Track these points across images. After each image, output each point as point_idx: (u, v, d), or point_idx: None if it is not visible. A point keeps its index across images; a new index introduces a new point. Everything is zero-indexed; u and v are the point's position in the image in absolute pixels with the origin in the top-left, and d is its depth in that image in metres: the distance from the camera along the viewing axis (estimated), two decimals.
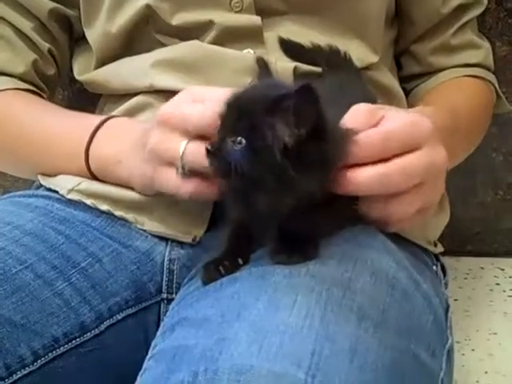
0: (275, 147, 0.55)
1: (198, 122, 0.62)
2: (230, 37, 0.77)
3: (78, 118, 0.80)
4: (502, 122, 1.11)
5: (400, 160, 0.60)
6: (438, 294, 0.68)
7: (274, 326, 0.52)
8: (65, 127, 0.79)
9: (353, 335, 0.53)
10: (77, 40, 0.89)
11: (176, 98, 0.66)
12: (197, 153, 0.62)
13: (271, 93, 0.56)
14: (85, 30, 0.85)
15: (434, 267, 0.74)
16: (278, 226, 0.60)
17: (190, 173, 0.63)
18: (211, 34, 0.77)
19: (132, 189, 0.73)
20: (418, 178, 0.61)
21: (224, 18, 0.77)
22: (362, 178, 0.59)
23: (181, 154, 0.63)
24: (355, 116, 0.60)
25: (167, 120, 0.65)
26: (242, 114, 0.56)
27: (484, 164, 1.14)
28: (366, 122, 0.60)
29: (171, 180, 0.65)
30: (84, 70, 0.87)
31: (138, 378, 0.58)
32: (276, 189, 0.56)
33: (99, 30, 0.83)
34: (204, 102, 0.63)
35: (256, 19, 0.77)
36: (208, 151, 0.58)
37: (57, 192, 0.77)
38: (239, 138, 0.56)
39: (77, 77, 0.88)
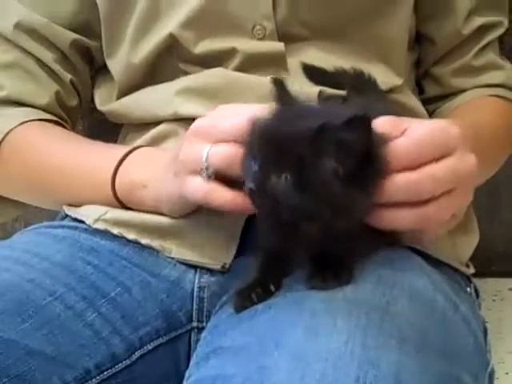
0: (326, 178, 0.54)
1: (225, 127, 0.62)
2: (254, 64, 0.77)
3: (105, 147, 0.80)
4: None
5: (432, 167, 0.59)
6: (475, 317, 0.67)
7: (315, 353, 0.51)
8: (91, 157, 0.79)
9: (395, 360, 0.52)
10: (98, 70, 0.89)
11: (207, 115, 0.66)
12: (220, 154, 0.61)
13: (309, 122, 0.55)
14: (107, 60, 0.85)
15: (468, 289, 0.73)
16: (313, 251, 0.60)
17: (215, 177, 0.62)
18: (235, 62, 0.77)
19: (159, 214, 0.72)
20: (450, 185, 0.61)
21: (247, 45, 0.77)
22: (393, 185, 0.58)
23: (204, 157, 0.62)
24: (379, 127, 0.59)
25: (196, 131, 0.65)
26: (282, 148, 0.55)
27: (507, 181, 1.13)
28: (391, 132, 0.59)
29: (198, 187, 0.64)
30: (106, 101, 0.87)
31: None
32: (329, 216, 0.56)
33: (122, 60, 0.83)
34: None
35: (279, 46, 0.77)
36: (252, 190, 0.56)
37: (83, 222, 0.76)
38: (285, 174, 0.55)
39: (99, 107, 0.88)
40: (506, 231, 1.16)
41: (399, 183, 0.58)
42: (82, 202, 0.78)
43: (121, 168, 0.75)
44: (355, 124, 0.54)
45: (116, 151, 0.77)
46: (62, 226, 0.77)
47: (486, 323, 0.95)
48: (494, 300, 1.06)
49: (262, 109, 0.58)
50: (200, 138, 0.64)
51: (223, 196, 0.62)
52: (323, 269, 0.60)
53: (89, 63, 0.88)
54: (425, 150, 0.59)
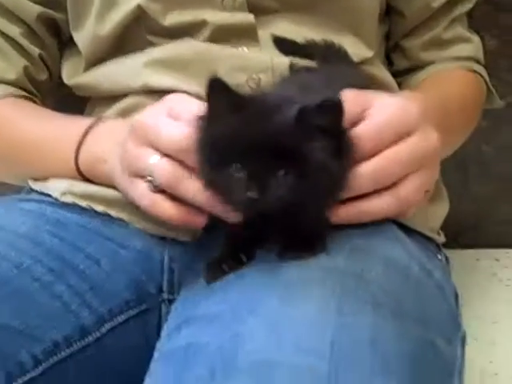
0: (321, 159, 0.54)
1: (169, 144, 0.60)
2: (224, 36, 0.75)
3: (70, 120, 0.78)
4: (493, 115, 1.10)
5: (394, 149, 0.60)
6: (448, 283, 0.67)
7: (290, 320, 0.51)
8: (57, 130, 0.77)
9: (371, 325, 0.52)
10: (65, 44, 0.87)
11: (153, 108, 0.65)
12: (164, 171, 0.60)
13: (282, 115, 0.54)
14: (73, 33, 0.83)
15: (440, 256, 0.73)
16: (286, 225, 0.59)
17: (159, 190, 0.62)
18: (205, 34, 0.75)
19: None
20: (416, 164, 0.61)
21: (217, 17, 0.75)
22: (357, 177, 0.58)
23: (151, 169, 0.61)
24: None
25: (140, 131, 0.64)
26: (270, 148, 0.54)
27: (476, 156, 1.14)
28: (354, 108, 0.59)
29: (139, 191, 0.63)
30: (73, 74, 0.85)
31: (147, 379, 0.56)
32: (328, 194, 0.57)
33: (88, 33, 0.80)
34: (179, 119, 0.61)
35: (249, 17, 0.75)
36: (252, 200, 0.54)
37: (49, 196, 0.74)
38: (283, 172, 0.54)
39: (66, 81, 0.85)
40: (473, 205, 1.17)
41: (366, 173, 0.59)
42: (48, 175, 0.77)
43: (84, 141, 0.73)
44: (329, 106, 0.54)
45: (82, 123, 0.75)
46: (28, 200, 0.76)
47: None
48: (462, 270, 1.07)
49: (201, 108, 0.57)
50: (145, 141, 0.63)
51: (169, 211, 0.62)
52: (297, 239, 0.59)
53: (56, 37, 0.86)
54: (385, 134, 0.60)
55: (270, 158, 0.54)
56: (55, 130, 0.78)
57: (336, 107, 0.54)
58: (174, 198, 0.61)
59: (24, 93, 0.84)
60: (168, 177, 0.60)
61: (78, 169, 0.73)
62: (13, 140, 0.80)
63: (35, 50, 0.84)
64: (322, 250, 0.58)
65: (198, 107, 0.59)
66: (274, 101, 0.57)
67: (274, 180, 0.54)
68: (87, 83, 0.82)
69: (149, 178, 0.62)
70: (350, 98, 0.59)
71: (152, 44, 0.77)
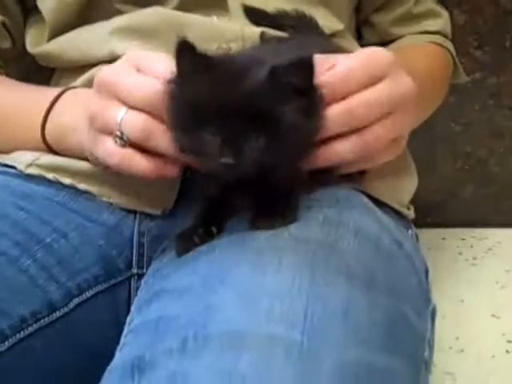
0: (293, 119, 0.53)
1: (139, 96, 0.59)
2: (193, 4, 0.74)
3: (36, 91, 0.76)
4: (460, 91, 1.12)
5: (362, 93, 0.59)
6: (418, 256, 0.68)
7: (262, 290, 0.50)
8: (22, 100, 0.75)
9: (343, 295, 0.52)
10: (29, 11, 0.84)
11: (119, 62, 0.63)
12: (134, 124, 0.59)
13: (251, 77, 0.53)
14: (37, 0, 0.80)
15: (410, 231, 0.73)
16: (257, 193, 0.58)
17: (128, 144, 0.60)
18: (174, 1, 0.74)
19: None
20: (386, 108, 0.60)
21: None
22: (328, 116, 0.58)
23: (118, 122, 0.59)
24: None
25: (106, 85, 0.62)
26: (242, 112, 0.53)
27: (443, 134, 1.15)
28: (321, 68, 0.58)
29: (104, 148, 0.61)
30: (37, 43, 0.82)
31: (117, 353, 0.55)
32: (305, 151, 0.56)
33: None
34: (148, 74, 0.60)
35: None
36: (228, 165, 0.53)
37: (14, 168, 0.72)
38: (256, 135, 0.53)
39: (29, 50, 0.83)
40: (441, 183, 1.18)
41: (333, 115, 0.58)
42: (12, 147, 0.74)
43: (52, 110, 0.71)
44: (301, 65, 0.54)
45: (49, 93, 0.73)
46: None
47: None
48: (428, 249, 1.08)
49: (170, 64, 0.56)
50: (112, 95, 0.61)
51: (141, 164, 0.60)
52: (268, 209, 0.59)
53: (20, 4, 0.83)
54: (356, 77, 0.59)
55: (243, 121, 0.53)
56: (21, 100, 0.76)
57: (308, 64, 0.54)
58: (144, 151, 0.59)
59: None
60: (139, 129, 0.58)
61: (44, 140, 0.71)
62: None
63: None
64: (294, 220, 0.58)
65: (166, 64, 0.57)
66: (244, 62, 0.56)
67: (248, 144, 0.53)
68: (51, 52, 0.80)
69: (117, 132, 0.60)
70: (319, 59, 0.58)
71: (119, 12, 0.76)
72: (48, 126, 0.71)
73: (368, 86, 0.59)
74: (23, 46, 0.84)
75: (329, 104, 0.58)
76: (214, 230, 0.60)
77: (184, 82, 0.55)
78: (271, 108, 0.53)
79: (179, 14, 0.73)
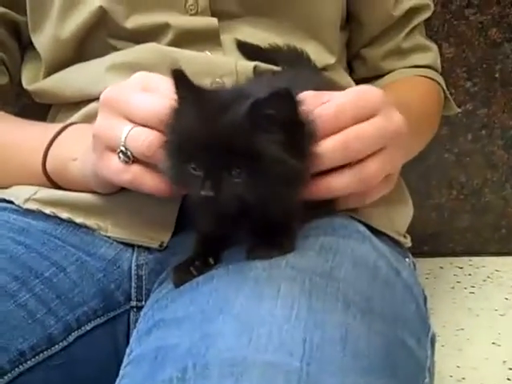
0: (278, 156, 0.53)
1: (145, 113, 0.59)
2: (187, 39, 0.75)
3: (37, 126, 0.77)
4: (453, 122, 1.13)
5: (355, 127, 0.59)
6: (416, 283, 0.68)
7: (260, 317, 0.50)
8: (23, 135, 0.76)
9: (342, 323, 0.52)
10: (25, 48, 0.86)
11: (125, 82, 0.64)
12: (140, 139, 0.59)
13: (234, 110, 0.53)
14: (32, 36, 0.82)
15: (407, 259, 0.74)
16: (254, 225, 0.58)
17: (133, 161, 0.60)
18: (168, 37, 0.75)
19: (92, 193, 0.70)
20: (380, 143, 0.61)
21: (180, 20, 0.75)
22: (320, 151, 0.58)
23: (123, 139, 0.60)
24: (303, 100, 0.59)
25: (111, 103, 0.62)
26: (223, 145, 0.53)
27: (437, 165, 1.16)
28: (311, 105, 0.59)
29: (112, 166, 0.61)
30: (33, 80, 0.84)
31: None
32: (289, 189, 0.55)
33: (48, 35, 0.79)
34: (155, 92, 0.61)
35: (212, 21, 0.76)
36: (209, 198, 0.53)
37: (12, 203, 0.73)
38: (236, 169, 0.53)
39: (25, 86, 0.84)
40: (437, 213, 1.19)
41: (326, 149, 0.58)
42: (11, 182, 0.75)
43: (53, 145, 0.72)
44: (279, 96, 0.53)
45: (49, 128, 0.74)
46: None
47: None
48: (426, 278, 1.09)
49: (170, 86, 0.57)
50: (117, 113, 0.62)
51: (152, 181, 0.60)
52: (265, 239, 0.59)
53: (17, 40, 0.85)
54: (347, 113, 0.59)
55: (224, 156, 0.53)
56: (22, 135, 0.76)
57: (285, 96, 0.53)
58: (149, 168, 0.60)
59: None
60: (145, 145, 0.58)
61: (45, 173, 0.72)
62: None
63: None
64: (291, 250, 0.58)
65: (171, 85, 0.58)
66: (230, 96, 0.56)
67: (229, 178, 0.53)
68: (47, 89, 0.81)
69: (121, 148, 0.60)
70: (307, 97, 0.59)
71: (114, 48, 0.77)
72: (49, 159, 0.72)
73: (360, 122, 0.60)
74: (19, 83, 0.86)
75: (322, 138, 0.58)
76: (212, 260, 0.60)
77: (175, 112, 0.56)
78: (251, 142, 0.53)
79: (173, 49, 0.75)
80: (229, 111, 0.53)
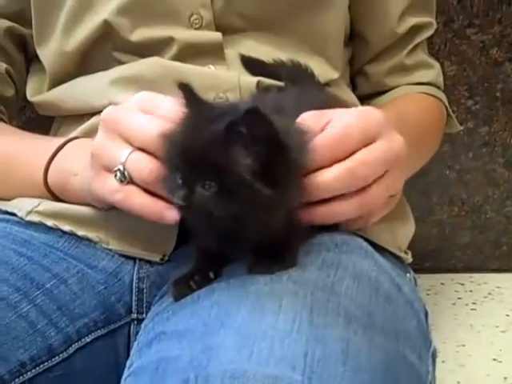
0: (246, 177, 0.53)
1: (144, 137, 0.60)
2: (191, 53, 0.76)
3: (41, 139, 0.78)
4: (454, 140, 1.14)
5: (361, 153, 0.60)
6: (417, 299, 0.68)
7: (262, 331, 0.50)
8: (27, 148, 0.77)
9: (343, 337, 0.52)
10: (31, 60, 0.87)
11: (126, 103, 0.65)
12: (141, 166, 0.60)
13: (217, 125, 0.54)
14: (37, 49, 0.83)
15: (408, 274, 0.74)
16: (253, 243, 0.58)
17: (128, 182, 0.61)
18: (171, 51, 0.76)
19: (93, 207, 0.70)
20: (383, 167, 0.61)
21: (184, 34, 0.76)
22: (328, 179, 0.59)
23: (123, 161, 0.61)
24: (302, 122, 0.60)
25: (111, 124, 0.63)
26: (199, 158, 0.54)
27: (438, 182, 1.17)
28: (313, 126, 0.59)
29: (106, 185, 0.62)
30: (37, 92, 0.84)
31: None
32: (261, 214, 0.55)
33: (53, 48, 0.80)
34: (154, 114, 0.61)
35: (216, 35, 0.76)
36: (181, 206, 0.55)
37: (15, 215, 0.73)
38: (208, 183, 0.53)
39: (29, 98, 0.85)
40: (438, 229, 1.19)
41: (332, 177, 0.59)
42: (13, 194, 0.75)
43: (55, 158, 0.72)
44: (251, 116, 0.53)
45: (52, 142, 0.74)
46: None
47: None
48: (427, 294, 1.09)
49: (178, 106, 0.57)
50: (117, 134, 0.62)
51: (142, 202, 0.61)
52: (267, 254, 0.59)
53: (23, 52, 0.86)
54: (349, 139, 0.60)
55: (199, 168, 0.54)
56: (25, 148, 0.77)
57: (256, 113, 0.52)
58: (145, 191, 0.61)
59: None
60: (147, 171, 0.60)
61: (47, 187, 0.72)
62: None
63: (2, 65, 0.83)
64: (293, 265, 0.58)
65: (172, 105, 0.59)
66: (222, 111, 0.57)
67: (201, 190, 0.54)
68: (51, 101, 0.81)
69: (120, 168, 0.61)
70: (309, 118, 0.60)
71: (118, 61, 0.78)
72: (50, 173, 0.72)
73: (362, 147, 0.60)
74: (24, 96, 0.86)
75: (323, 165, 0.59)
76: (212, 275, 0.60)
77: (178, 126, 0.57)
78: (223, 158, 0.53)
79: (177, 64, 0.75)
80: (211, 126, 0.54)
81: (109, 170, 0.62)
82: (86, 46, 0.78)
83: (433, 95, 0.90)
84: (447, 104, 0.92)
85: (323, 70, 0.80)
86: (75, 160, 0.71)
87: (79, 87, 0.79)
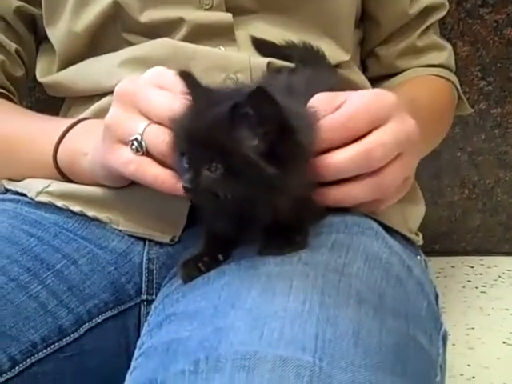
0: (252, 157, 0.53)
1: (161, 112, 0.60)
2: (201, 34, 0.75)
3: (50, 120, 0.78)
4: (466, 121, 1.13)
5: (376, 134, 0.59)
6: (427, 281, 0.67)
7: (273, 312, 0.50)
8: (36, 129, 0.76)
9: (354, 319, 0.52)
10: (40, 41, 0.86)
11: (141, 77, 0.64)
12: (159, 138, 0.60)
13: (222, 107, 0.54)
14: (47, 29, 0.82)
15: (419, 257, 0.73)
16: (264, 223, 0.58)
17: (142, 154, 0.61)
18: (181, 32, 0.75)
19: (103, 187, 0.70)
20: (397, 149, 0.61)
21: (194, 15, 0.75)
22: (342, 159, 0.58)
23: (140, 132, 0.61)
24: (316, 104, 0.59)
25: (127, 96, 0.63)
26: (204, 140, 0.54)
27: (450, 164, 1.16)
28: (327, 108, 0.59)
29: (121, 157, 0.62)
30: (47, 72, 0.84)
31: (128, 377, 0.55)
32: (267, 194, 0.54)
33: (63, 29, 0.80)
34: (170, 90, 0.61)
35: (227, 16, 0.76)
36: (187, 189, 0.54)
37: (25, 195, 0.73)
38: (214, 165, 0.53)
39: (39, 79, 0.84)
40: (449, 212, 1.19)
41: (347, 157, 0.58)
42: (23, 175, 0.75)
43: (65, 138, 0.72)
44: (257, 97, 0.52)
45: (62, 122, 0.74)
46: (2, 200, 0.74)
47: None
48: (437, 277, 1.09)
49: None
50: (133, 106, 0.62)
51: (156, 172, 0.61)
52: (277, 236, 0.58)
53: (33, 33, 0.85)
54: (360, 120, 0.59)
55: (205, 150, 0.54)
56: (35, 129, 0.77)
57: (262, 94, 0.52)
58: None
59: (0, 89, 0.82)
60: (162, 142, 0.59)
61: (57, 166, 0.72)
62: None
63: (12, 45, 0.83)
64: (304, 246, 0.58)
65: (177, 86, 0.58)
66: (229, 94, 0.57)
67: (207, 173, 0.53)
68: (61, 82, 0.81)
69: (136, 136, 0.61)
70: (323, 99, 0.60)
71: (128, 43, 0.77)
72: (60, 153, 0.72)
73: (373, 129, 0.60)
74: (34, 77, 0.86)
75: (335, 145, 0.58)
76: (221, 257, 0.60)
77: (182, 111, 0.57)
78: (229, 139, 0.53)
79: (187, 45, 0.74)
80: (216, 109, 0.54)
81: (123, 141, 0.62)
82: (95, 27, 0.78)
83: (444, 77, 0.89)
84: (458, 86, 0.91)
85: (334, 52, 0.79)
86: (85, 140, 0.70)
87: (89, 68, 0.79)
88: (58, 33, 0.81)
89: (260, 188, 0.53)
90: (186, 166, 0.55)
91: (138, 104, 0.62)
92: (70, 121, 0.74)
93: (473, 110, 0.98)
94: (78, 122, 0.73)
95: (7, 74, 0.83)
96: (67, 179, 0.73)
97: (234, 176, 0.53)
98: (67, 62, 0.81)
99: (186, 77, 0.57)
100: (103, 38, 0.79)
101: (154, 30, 0.76)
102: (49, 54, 0.84)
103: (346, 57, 0.81)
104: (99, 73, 0.77)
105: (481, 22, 1.10)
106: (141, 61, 0.74)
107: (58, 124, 0.74)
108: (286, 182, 0.54)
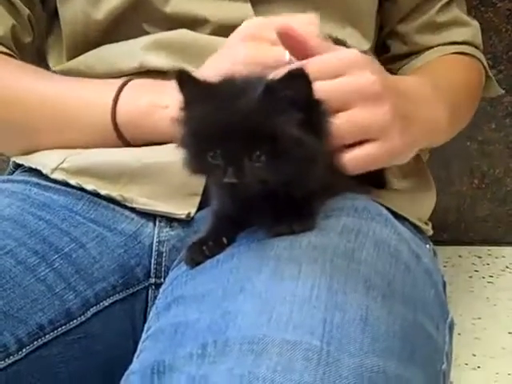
0: (297, 135, 0.53)
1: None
2: (223, 34, 0.73)
3: (89, 82, 0.75)
4: (476, 110, 1.11)
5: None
6: (436, 269, 0.67)
7: (281, 297, 0.50)
8: (79, 91, 0.74)
9: (362, 304, 0.52)
10: (49, 29, 0.85)
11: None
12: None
13: (249, 96, 0.54)
14: (59, 6, 0.80)
15: (428, 245, 0.73)
16: (274, 203, 0.58)
17: None
18: (205, 31, 0.75)
19: (119, 162, 0.69)
20: (350, 100, 0.60)
21: (218, 13, 0.75)
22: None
23: (288, 59, 0.62)
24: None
25: (260, 36, 0.65)
26: (241, 131, 0.53)
27: (459, 153, 1.15)
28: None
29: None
30: (60, 60, 0.83)
31: (135, 359, 0.55)
32: (312, 167, 0.55)
33: (78, 11, 0.78)
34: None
35: (248, 10, 0.75)
36: (232, 184, 0.53)
37: (33, 176, 0.72)
38: (257, 153, 0.53)
39: (53, 68, 0.83)
40: (457, 201, 1.18)
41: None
42: (67, 142, 0.73)
43: (121, 97, 0.71)
44: (294, 77, 0.53)
45: (106, 83, 0.73)
46: (11, 181, 0.74)
47: None
48: (444, 266, 1.08)
49: None
50: (265, 42, 0.64)
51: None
52: (287, 215, 0.58)
53: (46, 8, 0.83)
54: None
55: (243, 141, 0.53)
56: (79, 92, 0.74)
57: (301, 76, 0.54)
58: None
59: (6, 50, 0.80)
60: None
61: (115, 126, 0.70)
62: (13, 100, 0.75)
63: (25, 10, 0.81)
64: (313, 226, 0.57)
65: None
66: (244, 82, 0.56)
67: (250, 163, 0.53)
68: (78, 68, 0.79)
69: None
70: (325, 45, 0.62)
71: (146, 34, 0.76)
72: (120, 111, 0.70)
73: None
74: (38, 48, 0.84)
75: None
76: (225, 240, 0.60)
77: (187, 110, 0.56)
78: (268, 124, 0.53)
79: (206, 36, 0.75)
80: (243, 97, 0.54)
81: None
82: (117, 15, 0.77)
83: (469, 54, 0.87)
84: (486, 64, 0.88)
85: (355, 41, 0.78)
86: (158, 94, 0.69)
87: (109, 52, 0.78)
88: (70, 13, 0.79)
89: (305, 162, 0.54)
90: (219, 162, 0.54)
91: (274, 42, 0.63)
92: (116, 81, 0.72)
93: (503, 91, 0.95)
94: (126, 83, 0.72)
95: (16, 39, 0.81)
96: (123, 139, 0.71)
97: (278, 159, 0.53)
98: (81, 50, 0.79)
99: (183, 76, 0.56)
100: (123, 26, 0.77)
101: (176, 23, 0.75)
102: (60, 43, 0.82)
103: (366, 45, 0.81)
104: (119, 56, 0.76)
105: (493, 10, 1.09)
106: (163, 43, 0.74)
107: (102, 86, 0.73)
108: (323, 151, 0.56)
